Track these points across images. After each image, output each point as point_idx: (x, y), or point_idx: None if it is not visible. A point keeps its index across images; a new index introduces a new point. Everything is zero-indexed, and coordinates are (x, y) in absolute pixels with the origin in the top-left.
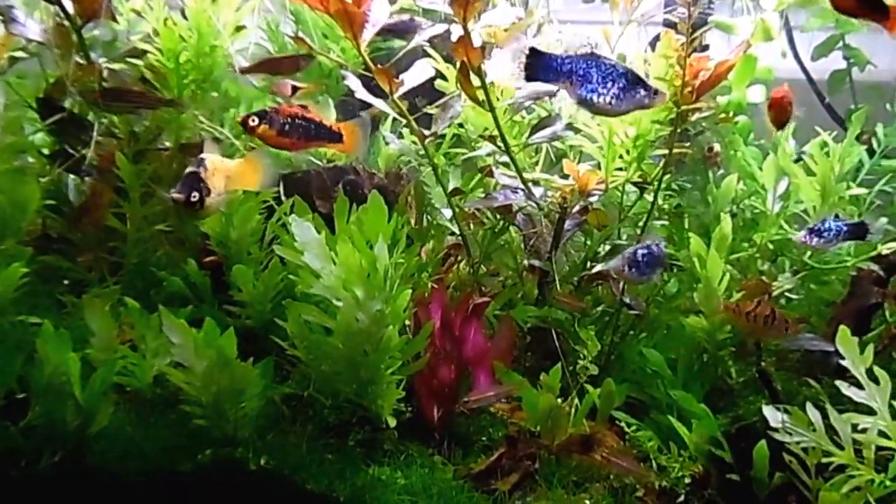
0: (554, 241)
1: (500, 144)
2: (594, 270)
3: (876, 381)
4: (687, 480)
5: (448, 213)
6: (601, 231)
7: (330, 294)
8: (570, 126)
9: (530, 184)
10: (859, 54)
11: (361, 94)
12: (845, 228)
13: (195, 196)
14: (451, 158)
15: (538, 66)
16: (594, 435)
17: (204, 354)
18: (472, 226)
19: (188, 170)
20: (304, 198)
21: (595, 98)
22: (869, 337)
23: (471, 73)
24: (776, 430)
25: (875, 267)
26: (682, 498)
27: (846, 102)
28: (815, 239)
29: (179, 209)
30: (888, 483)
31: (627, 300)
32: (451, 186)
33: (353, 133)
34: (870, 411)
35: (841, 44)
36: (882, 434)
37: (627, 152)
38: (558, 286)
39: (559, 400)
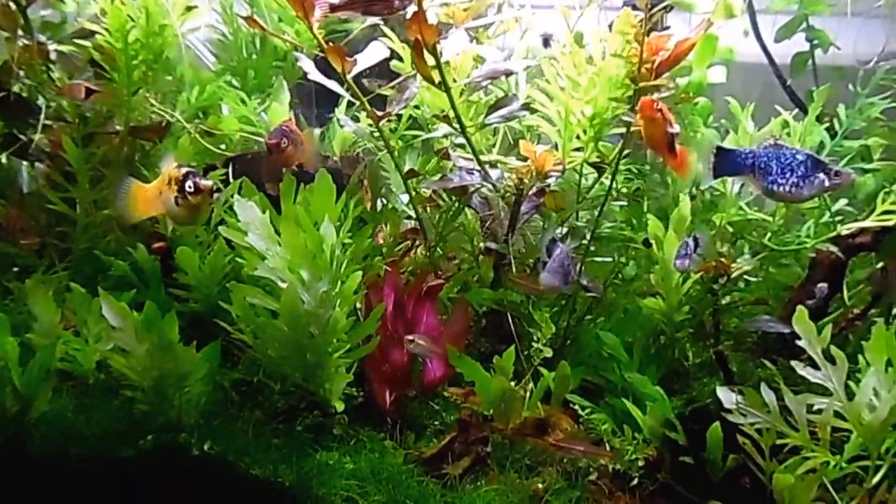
0: (510, 223)
1: (456, 126)
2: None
3: (832, 361)
4: (640, 464)
5: (406, 196)
6: (559, 214)
7: (275, 275)
8: (526, 106)
9: (487, 165)
10: (823, 36)
11: (314, 75)
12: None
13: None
14: (408, 141)
15: (725, 162)
16: (548, 418)
17: (145, 338)
18: (429, 209)
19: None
20: (253, 180)
21: (776, 188)
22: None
23: (426, 52)
24: (730, 411)
25: (834, 249)
26: (635, 481)
27: (807, 86)
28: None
29: None
30: (843, 465)
31: (584, 282)
32: (406, 169)
33: None
34: (826, 393)
35: (805, 25)
36: (838, 415)
37: (585, 132)
38: (514, 269)
39: (513, 383)
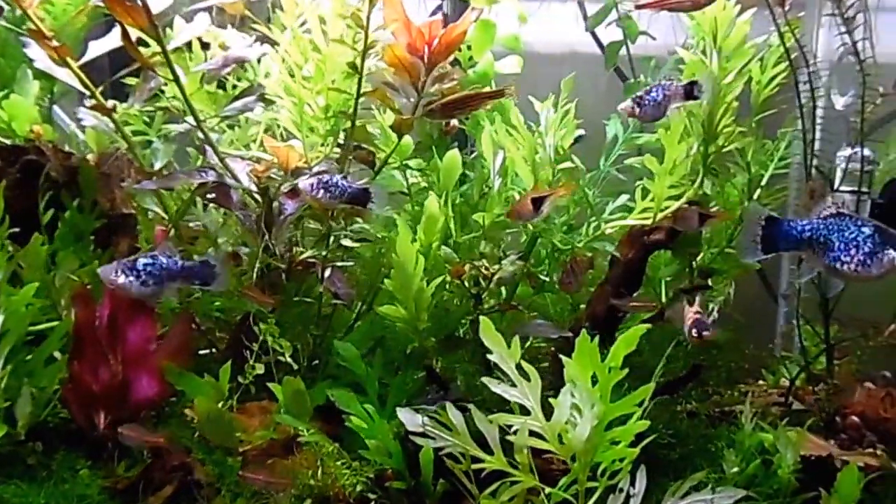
0: (264, 225)
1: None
2: (301, 258)
3: (527, 377)
4: (359, 488)
5: None
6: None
7: None
8: (262, 97)
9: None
10: (633, 25)
11: (43, 63)
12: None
13: None
14: (163, 133)
15: (776, 234)
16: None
17: None
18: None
19: None
20: None
21: (839, 266)
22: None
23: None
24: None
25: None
26: None
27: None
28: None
29: None
30: (557, 492)
31: (336, 288)
32: (158, 165)
33: None
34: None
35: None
36: (538, 436)
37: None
38: (254, 275)
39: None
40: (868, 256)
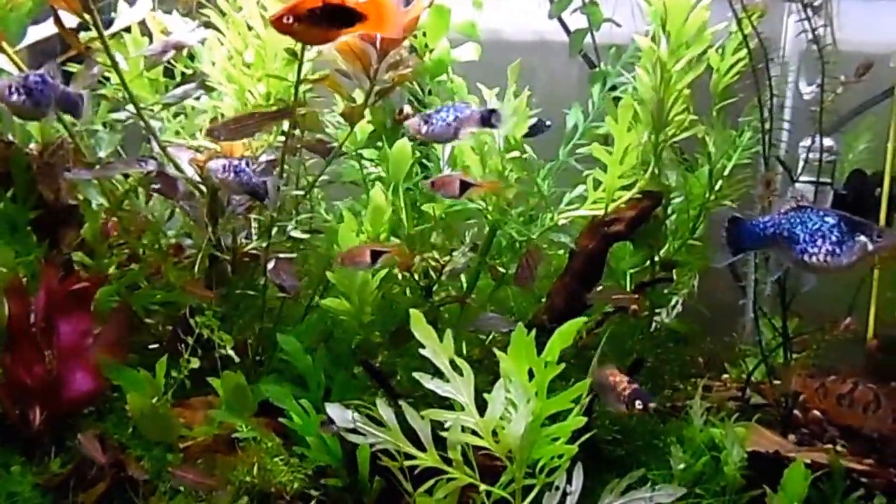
0: (210, 216)
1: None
2: (246, 249)
3: (460, 372)
4: (297, 485)
5: None
6: None
7: None
8: (203, 85)
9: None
10: (597, 12)
11: None
12: None
13: None
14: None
15: (740, 234)
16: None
17: None
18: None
19: None
20: None
21: (808, 258)
22: None
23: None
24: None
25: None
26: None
27: None
28: None
29: None
30: (494, 490)
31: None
32: (102, 154)
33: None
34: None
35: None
36: (473, 433)
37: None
38: (197, 267)
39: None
40: (836, 246)
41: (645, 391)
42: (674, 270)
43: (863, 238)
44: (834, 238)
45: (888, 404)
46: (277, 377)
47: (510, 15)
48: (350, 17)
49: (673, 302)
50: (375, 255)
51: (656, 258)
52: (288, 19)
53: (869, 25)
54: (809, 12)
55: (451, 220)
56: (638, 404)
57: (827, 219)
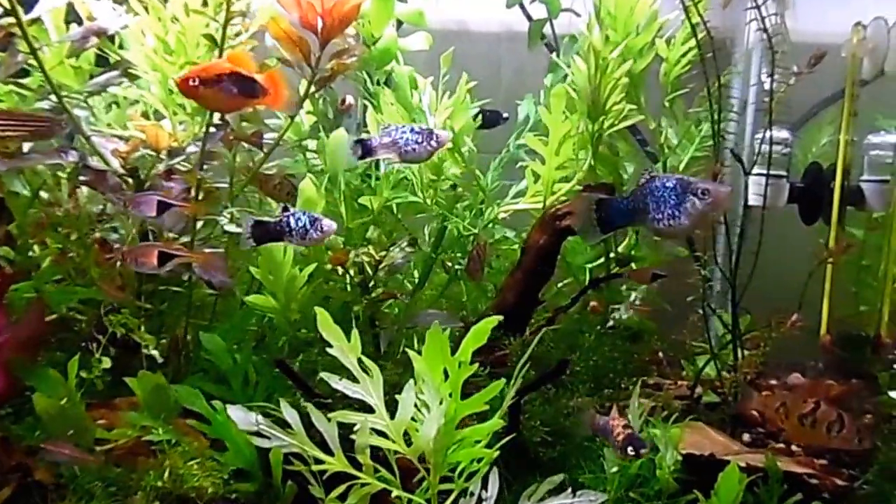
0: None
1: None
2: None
3: (368, 373)
4: (211, 490)
5: None
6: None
7: None
8: (126, 73)
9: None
10: (554, 1)
11: None
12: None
13: None
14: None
15: (608, 213)
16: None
17: None
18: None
19: None
20: None
21: (657, 225)
22: None
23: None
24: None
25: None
26: None
27: None
28: None
29: None
30: (410, 496)
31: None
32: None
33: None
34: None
35: None
36: (382, 435)
37: None
38: (118, 266)
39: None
40: (674, 209)
41: (639, 438)
42: (631, 265)
43: (692, 198)
44: (672, 201)
45: (852, 424)
46: (202, 377)
47: (476, 5)
48: (253, 90)
49: (632, 298)
50: (165, 258)
51: (612, 254)
52: (194, 82)
53: (825, 16)
54: (759, 0)
55: (402, 215)
56: (630, 450)
57: (667, 183)
